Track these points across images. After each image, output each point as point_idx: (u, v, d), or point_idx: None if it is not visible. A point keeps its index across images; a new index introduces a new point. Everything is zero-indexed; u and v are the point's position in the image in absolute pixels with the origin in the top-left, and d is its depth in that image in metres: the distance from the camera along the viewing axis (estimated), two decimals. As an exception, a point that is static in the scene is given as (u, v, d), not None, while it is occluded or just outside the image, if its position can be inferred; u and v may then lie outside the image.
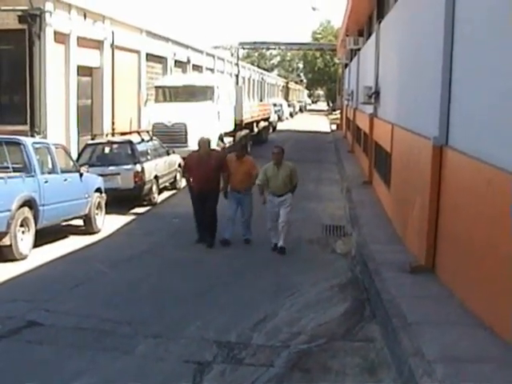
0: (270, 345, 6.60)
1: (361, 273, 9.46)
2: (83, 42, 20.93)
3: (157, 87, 24.06)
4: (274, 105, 49.70)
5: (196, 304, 8.09)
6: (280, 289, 8.72)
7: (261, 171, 11.09)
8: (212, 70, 40.87)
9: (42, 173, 11.03)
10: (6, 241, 9.95)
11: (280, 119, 53.52)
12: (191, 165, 11.55)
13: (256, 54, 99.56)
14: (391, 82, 14.73)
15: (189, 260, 10.47)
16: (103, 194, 13.28)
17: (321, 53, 77.22)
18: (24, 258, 10.25)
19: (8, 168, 10.52)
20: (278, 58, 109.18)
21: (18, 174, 10.53)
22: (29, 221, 10.46)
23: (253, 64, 77.75)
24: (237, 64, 48.25)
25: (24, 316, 7.37)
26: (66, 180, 11.82)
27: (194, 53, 35.89)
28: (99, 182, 13.25)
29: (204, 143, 11.45)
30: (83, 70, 21.45)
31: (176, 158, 17.90)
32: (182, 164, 13.92)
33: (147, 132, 18.15)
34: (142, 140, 16.63)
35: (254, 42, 60.46)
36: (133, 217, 14.48)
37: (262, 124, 34.08)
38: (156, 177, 15.97)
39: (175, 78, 26.56)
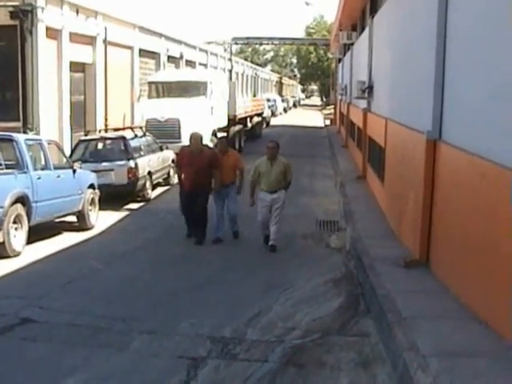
0: (265, 340, 6.59)
1: (355, 268, 9.45)
2: (76, 37, 20.84)
3: (150, 83, 23.95)
4: (268, 100, 49.66)
5: (190, 300, 8.06)
6: (274, 284, 8.70)
7: (253, 167, 10.89)
8: (205, 66, 40.81)
9: (35, 169, 10.99)
10: (-1, 238, 9.90)
11: (274, 114, 53.57)
12: (183, 161, 11.40)
13: (249, 50, 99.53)
14: (384, 77, 14.73)
15: (183, 256, 10.44)
16: (96, 190, 13.24)
17: (314, 47, 77.19)
18: (17, 254, 10.21)
19: (0, 165, 10.45)
20: (272, 53, 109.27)
21: (10, 170, 10.48)
22: (22, 217, 10.42)
23: (246, 59, 77.73)
24: (230, 59, 48.13)
25: (17, 313, 7.34)
26: (59, 176, 11.78)
27: (187, 48, 35.80)
28: (92, 178, 13.21)
29: (196, 139, 11.29)
30: (76, 66, 21.37)
31: (169, 154, 17.84)
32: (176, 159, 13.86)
33: (140, 128, 18.12)
34: (136, 136, 16.59)
35: (248, 37, 60.38)
36: (126, 213, 14.44)
37: (256, 119, 34.03)
38: (149, 173, 15.92)
39: (168, 74, 26.49)
